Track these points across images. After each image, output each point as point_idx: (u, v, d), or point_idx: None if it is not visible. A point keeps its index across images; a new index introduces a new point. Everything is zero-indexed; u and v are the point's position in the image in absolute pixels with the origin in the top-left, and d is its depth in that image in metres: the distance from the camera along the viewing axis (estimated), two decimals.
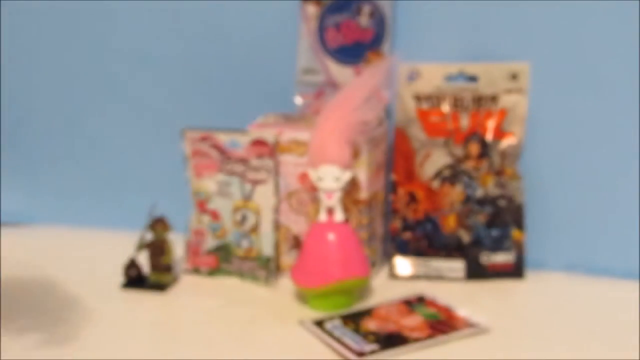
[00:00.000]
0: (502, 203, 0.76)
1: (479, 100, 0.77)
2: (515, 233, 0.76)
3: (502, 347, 0.64)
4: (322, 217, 0.70)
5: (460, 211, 0.77)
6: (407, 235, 0.78)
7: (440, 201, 0.77)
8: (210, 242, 0.77)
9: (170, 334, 0.68)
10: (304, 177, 0.74)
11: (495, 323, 0.66)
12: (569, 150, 0.77)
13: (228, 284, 0.77)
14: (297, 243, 0.76)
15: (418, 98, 0.78)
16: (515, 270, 0.76)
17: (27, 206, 0.94)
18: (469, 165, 0.77)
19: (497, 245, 0.76)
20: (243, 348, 0.65)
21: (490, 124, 0.77)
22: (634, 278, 0.75)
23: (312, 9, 0.80)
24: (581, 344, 0.64)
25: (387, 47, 0.79)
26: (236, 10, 0.84)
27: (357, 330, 0.66)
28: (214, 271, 0.78)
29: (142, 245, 0.75)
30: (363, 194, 0.73)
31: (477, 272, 0.76)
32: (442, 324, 0.67)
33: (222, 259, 0.77)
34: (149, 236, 0.75)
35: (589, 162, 0.76)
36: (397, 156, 0.78)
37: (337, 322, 0.67)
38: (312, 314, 0.69)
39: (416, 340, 0.64)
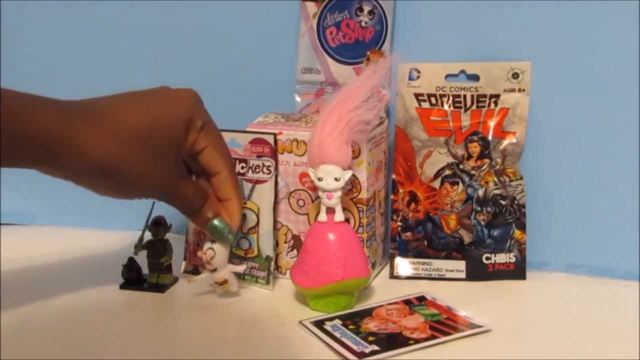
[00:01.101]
0: (503, 203, 0.76)
1: (479, 99, 0.77)
2: (516, 233, 0.76)
3: (503, 347, 0.63)
4: (322, 217, 0.69)
5: (460, 211, 0.77)
6: (408, 235, 0.78)
7: (441, 201, 0.77)
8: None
9: (170, 334, 0.68)
10: (303, 177, 0.74)
11: (496, 323, 0.66)
12: (571, 149, 0.76)
13: None
14: (297, 243, 0.75)
15: (418, 97, 0.78)
16: (516, 271, 0.76)
17: (27, 206, 0.94)
18: (469, 164, 0.77)
19: (498, 246, 0.76)
20: (243, 348, 0.65)
21: (491, 123, 0.77)
22: (635, 279, 0.75)
23: (312, 8, 0.80)
24: (582, 345, 0.64)
25: (387, 46, 0.79)
26: (236, 9, 0.84)
27: (357, 330, 0.65)
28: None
29: (141, 246, 0.75)
30: (363, 194, 0.73)
31: (478, 272, 0.76)
32: (443, 324, 0.66)
33: None
34: (148, 236, 0.75)
35: (590, 161, 0.76)
36: (397, 156, 0.78)
37: (337, 323, 0.67)
38: (312, 314, 0.69)
39: (417, 340, 0.63)
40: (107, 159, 0.61)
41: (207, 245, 0.70)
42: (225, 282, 0.71)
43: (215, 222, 0.68)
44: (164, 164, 0.64)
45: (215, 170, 0.68)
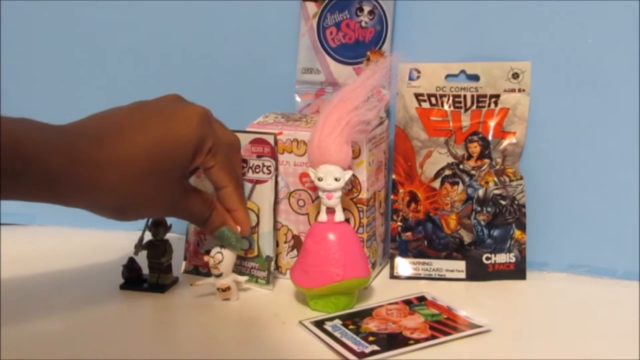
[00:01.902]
0: (503, 203, 0.76)
1: (479, 99, 0.77)
2: (516, 233, 0.76)
3: (503, 347, 0.63)
4: (322, 217, 0.69)
5: (460, 211, 0.77)
6: (408, 235, 0.78)
7: (441, 201, 0.77)
8: (209, 242, 0.77)
9: (170, 334, 0.68)
10: (303, 177, 0.74)
11: (496, 323, 0.66)
12: (571, 149, 0.76)
13: None
14: (297, 243, 0.75)
15: (418, 97, 0.78)
16: (516, 271, 0.76)
17: (27, 206, 0.93)
18: (469, 164, 0.77)
19: (498, 246, 0.76)
20: (243, 348, 0.65)
21: (491, 124, 0.77)
22: (635, 279, 0.75)
23: (312, 8, 0.80)
24: (582, 345, 0.64)
25: (387, 46, 0.79)
26: (236, 9, 0.84)
27: (357, 330, 0.65)
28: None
29: (141, 246, 0.75)
30: (363, 194, 0.73)
31: (478, 272, 0.76)
32: (443, 324, 0.66)
33: None
34: (149, 236, 0.75)
35: (590, 161, 0.76)
36: (397, 156, 0.78)
37: (337, 322, 0.67)
38: (312, 314, 0.69)
39: (417, 340, 0.63)
40: (114, 197, 0.62)
41: (216, 249, 0.71)
42: (227, 289, 0.71)
43: (223, 229, 0.70)
44: (171, 187, 0.65)
45: (221, 186, 0.69)
